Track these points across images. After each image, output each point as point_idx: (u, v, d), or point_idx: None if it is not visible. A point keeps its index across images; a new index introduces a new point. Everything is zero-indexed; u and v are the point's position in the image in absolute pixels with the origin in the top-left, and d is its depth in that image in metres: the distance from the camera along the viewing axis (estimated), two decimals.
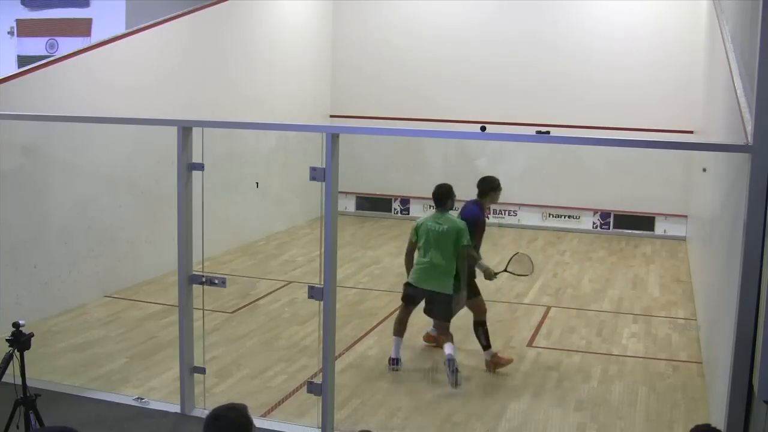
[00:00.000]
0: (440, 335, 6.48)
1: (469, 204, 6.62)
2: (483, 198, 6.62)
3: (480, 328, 6.46)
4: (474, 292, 6.48)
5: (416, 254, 6.49)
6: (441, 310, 6.33)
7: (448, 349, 6.11)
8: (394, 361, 6.39)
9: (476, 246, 6.54)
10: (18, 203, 7.18)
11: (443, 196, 6.35)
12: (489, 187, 6.61)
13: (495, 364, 6.40)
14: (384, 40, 13.10)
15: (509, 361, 6.46)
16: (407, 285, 6.47)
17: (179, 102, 9.22)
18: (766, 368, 3.85)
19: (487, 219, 6.87)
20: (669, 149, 11.47)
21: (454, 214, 6.44)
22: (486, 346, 6.44)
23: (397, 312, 6.69)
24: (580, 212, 12.40)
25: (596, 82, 12.10)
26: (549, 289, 9.03)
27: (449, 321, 6.32)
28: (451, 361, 6.01)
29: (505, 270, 6.73)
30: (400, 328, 6.48)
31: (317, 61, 12.97)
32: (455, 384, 5.97)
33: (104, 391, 5.87)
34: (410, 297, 6.47)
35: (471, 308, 6.48)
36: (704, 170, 7.02)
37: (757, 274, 4.08)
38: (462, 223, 6.28)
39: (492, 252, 10.86)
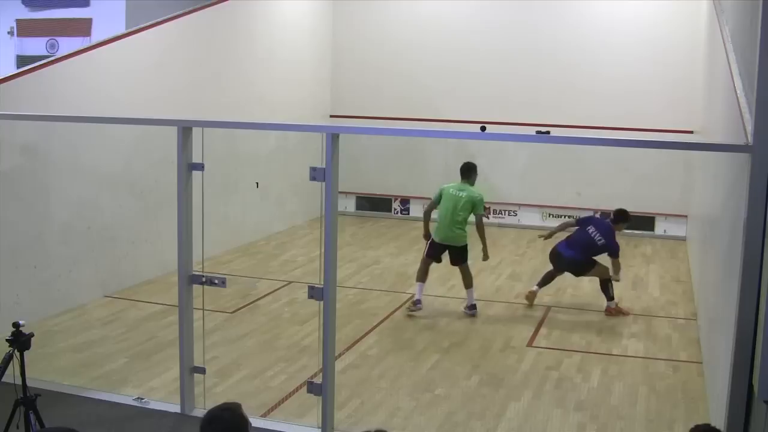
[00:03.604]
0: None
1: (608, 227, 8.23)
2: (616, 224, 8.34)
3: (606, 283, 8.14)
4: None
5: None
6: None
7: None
8: (417, 302, 7.89)
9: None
10: (18, 203, 7.18)
11: (468, 170, 8.01)
12: (624, 218, 8.45)
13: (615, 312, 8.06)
14: (384, 39, 13.10)
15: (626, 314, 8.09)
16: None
17: (179, 102, 9.22)
18: (766, 368, 3.85)
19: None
20: (669, 149, 11.47)
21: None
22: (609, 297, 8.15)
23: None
24: (580, 212, 12.36)
25: (596, 82, 12.10)
26: (549, 289, 9.00)
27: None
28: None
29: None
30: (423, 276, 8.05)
31: (317, 61, 12.97)
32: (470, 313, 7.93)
33: (104, 391, 5.87)
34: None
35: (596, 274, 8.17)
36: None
37: (757, 274, 4.07)
38: (479, 194, 7.85)
39: (492, 252, 10.85)
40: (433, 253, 8.02)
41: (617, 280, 8.21)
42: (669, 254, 11.01)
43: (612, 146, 5.03)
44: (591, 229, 8.15)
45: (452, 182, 8.01)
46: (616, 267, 8.15)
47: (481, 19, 12.65)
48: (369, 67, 13.18)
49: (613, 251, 8.09)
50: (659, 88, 11.81)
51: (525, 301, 8.33)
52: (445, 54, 12.78)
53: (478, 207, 7.80)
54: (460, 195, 7.81)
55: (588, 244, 8.10)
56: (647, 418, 5.63)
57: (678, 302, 8.61)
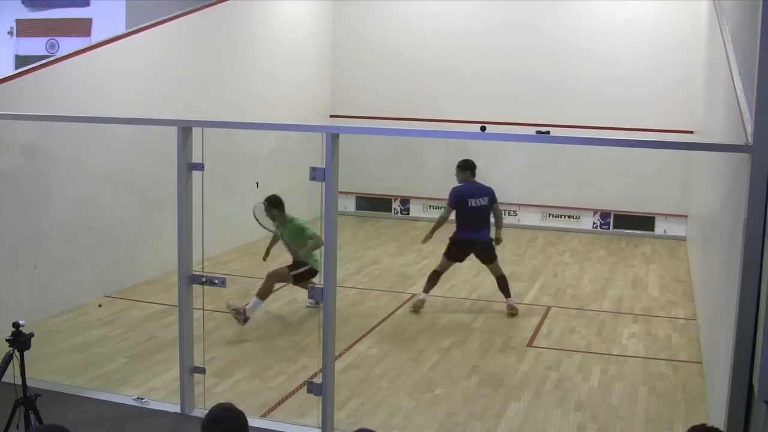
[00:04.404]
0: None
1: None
2: None
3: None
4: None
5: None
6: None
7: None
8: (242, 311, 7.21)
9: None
10: (18, 203, 7.17)
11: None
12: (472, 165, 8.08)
13: None
14: (384, 40, 13.10)
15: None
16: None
17: (179, 102, 9.22)
18: (766, 368, 3.85)
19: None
20: (669, 149, 11.48)
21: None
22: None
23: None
24: (580, 212, 12.41)
25: (596, 82, 12.10)
26: (549, 289, 9.03)
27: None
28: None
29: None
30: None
31: (317, 61, 12.97)
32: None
33: (104, 391, 5.87)
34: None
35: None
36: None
37: (757, 274, 4.08)
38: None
39: None
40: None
41: (500, 240, 8.03)
42: (669, 254, 11.01)
43: (612, 146, 5.03)
44: (472, 202, 7.86)
45: (295, 216, 7.86)
46: (501, 216, 8.07)
47: (482, 19, 12.64)
48: (369, 67, 13.18)
49: (494, 197, 7.96)
50: (659, 88, 11.82)
51: (416, 309, 8.03)
52: (445, 54, 12.78)
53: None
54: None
55: (485, 215, 7.92)
56: (647, 418, 5.63)
57: (678, 302, 8.61)
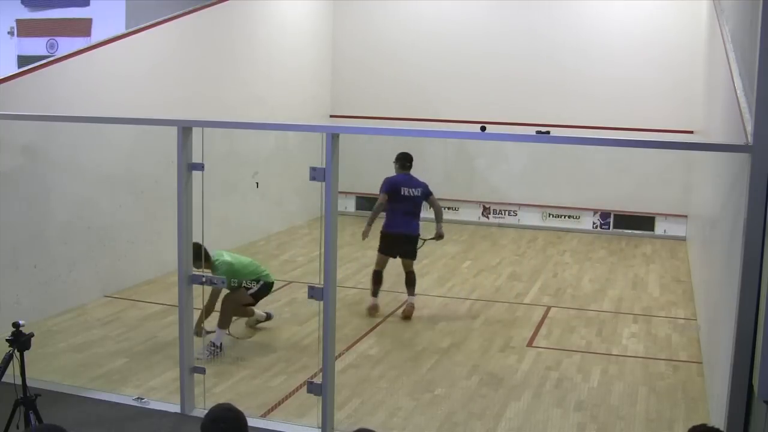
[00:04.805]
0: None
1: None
2: None
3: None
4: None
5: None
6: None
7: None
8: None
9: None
10: (18, 203, 7.17)
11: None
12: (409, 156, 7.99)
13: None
14: (384, 39, 13.10)
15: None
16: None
17: (179, 102, 9.22)
18: (766, 368, 3.85)
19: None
20: (669, 149, 11.48)
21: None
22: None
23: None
24: (580, 212, 12.41)
25: (596, 81, 12.10)
26: (549, 289, 9.03)
27: None
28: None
29: None
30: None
31: (317, 61, 12.97)
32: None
33: (104, 391, 5.87)
34: None
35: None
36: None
37: (757, 274, 4.08)
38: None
39: (492, 252, 10.90)
40: None
41: (441, 235, 7.93)
42: (669, 254, 11.01)
43: (612, 146, 5.04)
44: (404, 191, 7.78)
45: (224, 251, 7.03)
46: (440, 209, 7.97)
47: (483, 21, 12.64)
48: (369, 67, 13.18)
49: (428, 190, 7.90)
50: (659, 88, 11.81)
51: (373, 314, 7.87)
52: (445, 55, 12.78)
53: None
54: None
55: (416, 206, 7.85)
56: (647, 418, 5.63)
57: (678, 302, 8.61)
